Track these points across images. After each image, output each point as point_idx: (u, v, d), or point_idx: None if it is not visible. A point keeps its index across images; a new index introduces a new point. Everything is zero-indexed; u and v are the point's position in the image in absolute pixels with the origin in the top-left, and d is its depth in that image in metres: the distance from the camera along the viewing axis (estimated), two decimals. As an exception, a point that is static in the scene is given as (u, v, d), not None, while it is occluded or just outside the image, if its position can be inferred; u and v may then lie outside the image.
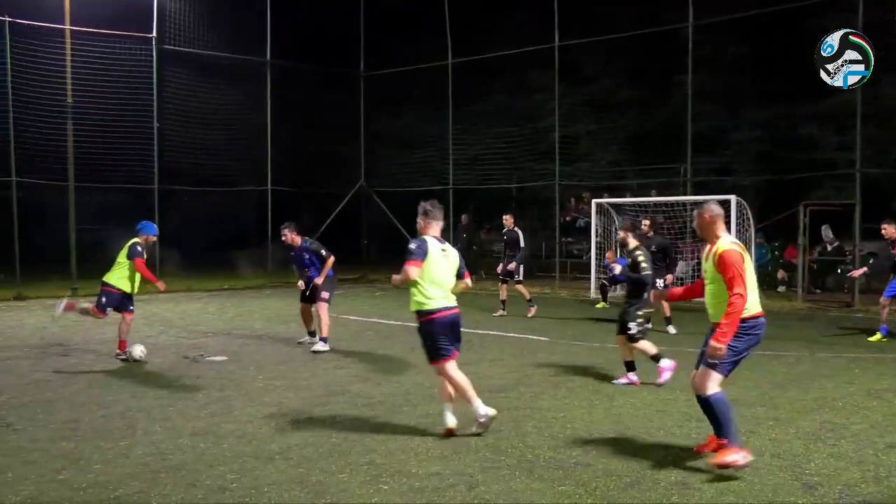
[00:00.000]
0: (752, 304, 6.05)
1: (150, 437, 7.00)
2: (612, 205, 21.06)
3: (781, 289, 20.57)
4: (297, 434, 7.11)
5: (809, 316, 16.27)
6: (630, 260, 9.47)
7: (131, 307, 11.20)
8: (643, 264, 9.24)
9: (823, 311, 16.92)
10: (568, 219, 25.86)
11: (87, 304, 11.32)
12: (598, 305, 18.04)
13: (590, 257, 20.82)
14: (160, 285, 11.30)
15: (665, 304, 13.71)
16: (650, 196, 22.18)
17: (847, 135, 19.35)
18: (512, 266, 16.11)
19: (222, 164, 23.58)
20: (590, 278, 20.27)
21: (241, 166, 24.82)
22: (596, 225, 20.47)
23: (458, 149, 25.00)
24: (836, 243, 19.98)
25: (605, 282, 18.63)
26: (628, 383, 9.17)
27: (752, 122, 23.57)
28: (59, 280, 20.36)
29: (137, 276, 11.07)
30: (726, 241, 6.16)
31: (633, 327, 9.20)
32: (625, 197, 23.06)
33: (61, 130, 19.74)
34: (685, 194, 20.91)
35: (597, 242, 20.38)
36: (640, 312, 9.19)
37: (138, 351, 10.87)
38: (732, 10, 20.44)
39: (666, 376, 9.11)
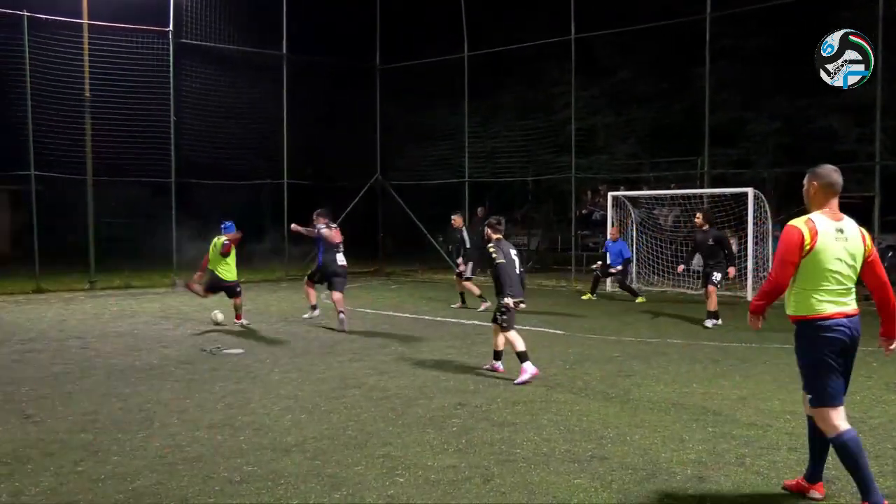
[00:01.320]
0: (817, 302, 5.06)
1: (168, 430, 7.05)
2: (628, 198, 20.98)
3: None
4: (312, 426, 7.13)
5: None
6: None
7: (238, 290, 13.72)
8: (493, 255, 9.32)
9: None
10: (584, 212, 25.79)
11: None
12: (583, 297, 18.01)
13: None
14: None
15: (713, 298, 13.66)
16: (668, 189, 22.09)
17: (867, 127, 19.18)
18: (462, 267, 16.35)
19: (239, 158, 23.66)
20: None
21: (258, 160, 24.92)
22: (612, 218, 20.39)
23: (475, 142, 24.96)
24: (854, 236, 19.79)
25: (598, 272, 18.53)
26: (491, 369, 9.32)
27: (771, 114, 23.37)
28: (78, 273, 20.56)
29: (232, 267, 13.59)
30: (803, 217, 5.18)
31: (498, 317, 9.32)
32: (641, 190, 22.98)
33: (79, 125, 19.87)
34: (702, 187, 20.81)
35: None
36: (504, 301, 9.19)
37: (220, 315, 13.61)
38: (750, 2, 20.27)
39: (524, 378, 8.96)
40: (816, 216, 5.15)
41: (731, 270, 13.83)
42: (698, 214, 14.43)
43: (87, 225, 20.25)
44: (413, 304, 16.91)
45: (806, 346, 5.16)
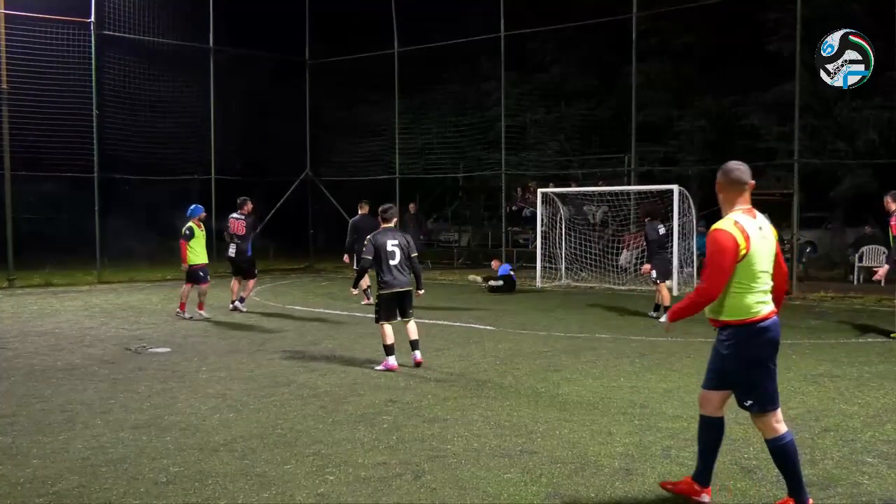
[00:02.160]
0: (752, 304, 4.90)
1: (91, 431, 6.88)
2: (557, 194, 21.22)
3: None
4: (241, 425, 7.04)
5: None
6: None
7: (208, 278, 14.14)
8: (363, 251, 9.72)
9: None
10: (514, 208, 25.99)
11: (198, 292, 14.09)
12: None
13: (535, 246, 20.97)
14: (184, 266, 13.84)
15: (665, 293, 13.83)
16: (596, 186, 22.43)
17: (787, 125, 19.74)
18: (346, 259, 16.36)
19: (165, 153, 23.12)
20: (535, 267, 20.40)
21: (185, 155, 24.42)
22: (542, 214, 20.60)
23: (405, 138, 24.94)
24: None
25: (491, 283, 18.76)
26: (385, 369, 9.46)
27: (697, 113, 23.91)
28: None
29: (203, 249, 13.96)
30: (727, 219, 4.91)
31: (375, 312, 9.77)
32: (570, 186, 23.27)
33: (-4, 117, 19.23)
34: (630, 184, 21.16)
35: (542, 232, 20.52)
36: (370, 299, 9.62)
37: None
38: (677, 2, 20.67)
39: (381, 367, 9.46)
40: (739, 216, 4.90)
41: (645, 267, 14.03)
42: (641, 210, 14.62)
43: (4, 221, 19.58)
44: (344, 301, 16.80)
45: (745, 350, 4.96)
